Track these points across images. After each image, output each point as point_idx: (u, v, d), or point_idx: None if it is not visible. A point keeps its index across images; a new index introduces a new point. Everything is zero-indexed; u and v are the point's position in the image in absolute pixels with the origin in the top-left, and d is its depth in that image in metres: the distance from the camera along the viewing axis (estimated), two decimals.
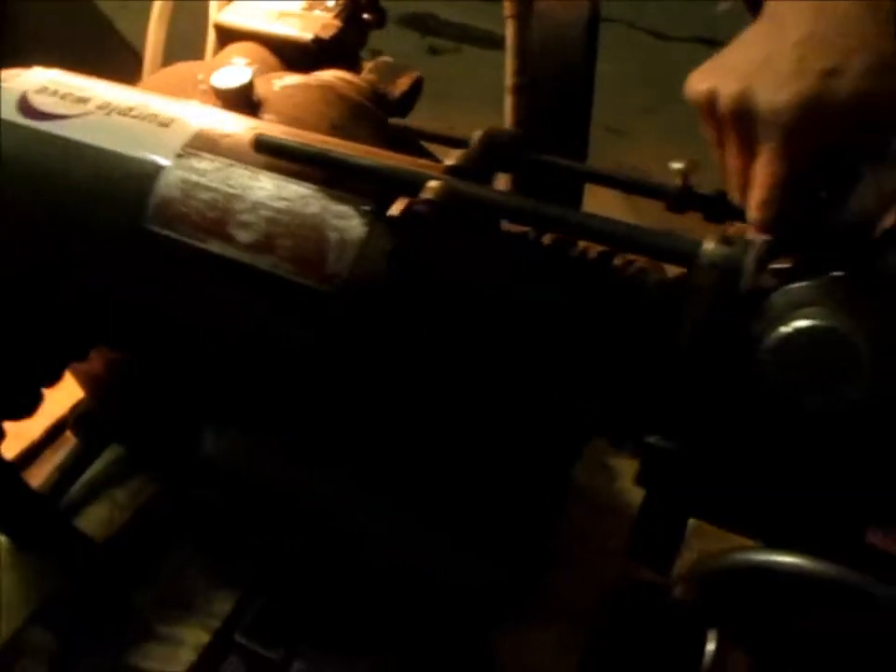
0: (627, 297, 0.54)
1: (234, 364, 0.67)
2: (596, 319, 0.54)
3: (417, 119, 1.37)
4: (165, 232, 0.64)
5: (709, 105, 0.53)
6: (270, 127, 0.71)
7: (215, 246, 0.63)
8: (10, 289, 0.72)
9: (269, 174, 0.63)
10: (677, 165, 0.60)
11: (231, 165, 0.64)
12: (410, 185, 0.56)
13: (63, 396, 1.00)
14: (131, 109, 0.70)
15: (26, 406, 0.80)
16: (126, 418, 0.92)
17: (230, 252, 0.62)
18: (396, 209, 0.53)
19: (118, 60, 1.34)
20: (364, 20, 1.06)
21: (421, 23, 2.12)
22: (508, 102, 0.91)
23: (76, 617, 0.88)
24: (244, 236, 0.62)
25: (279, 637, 0.82)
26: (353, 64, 1.02)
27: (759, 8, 0.53)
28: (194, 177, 0.64)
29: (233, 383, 0.71)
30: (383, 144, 0.75)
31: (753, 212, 0.50)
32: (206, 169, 0.64)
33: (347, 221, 0.59)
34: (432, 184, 0.55)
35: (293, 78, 0.86)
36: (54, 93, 0.73)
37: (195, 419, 0.78)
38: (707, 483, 0.54)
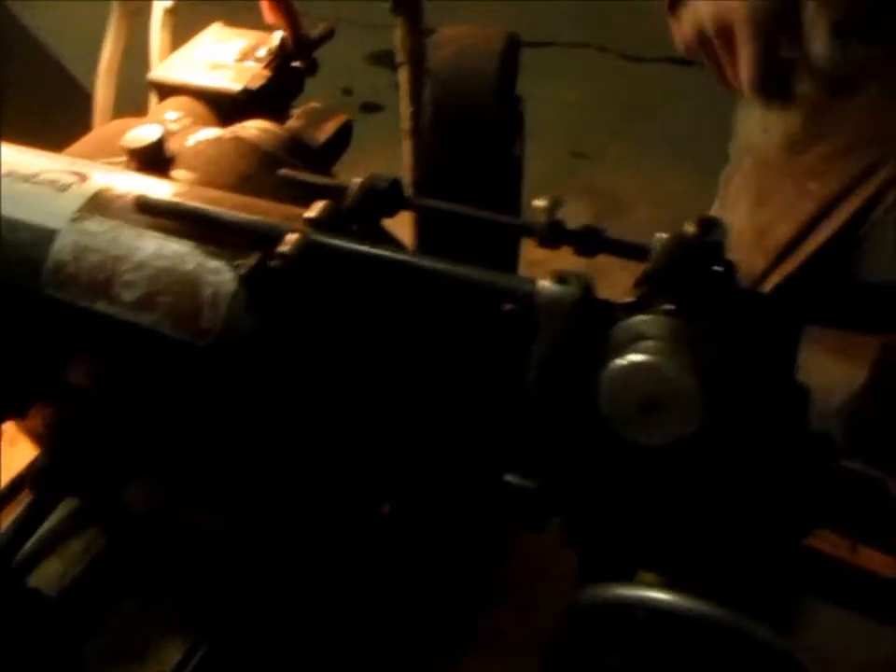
0: (482, 338, 0.55)
1: (133, 415, 0.69)
2: (452, 361, 0.55)
3: (383, 155, 1.39)
4: (59, 295, 0.66)
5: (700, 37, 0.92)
6: (168, 185, 0.73)
7: (101, 306, 0.64)
8: None
9: (153, 233, 0.65)
10: (540, 203, 0.61)
11: (120, 226, 0.66)
12: (272, 238, 0.57)
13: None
14: (34, 175, 0.73)
15: None
16: (70, 471, 0.94)
17: (115, 311, 0.64)
18: (245, 265, 0.54)
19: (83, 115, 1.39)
20: (295, 68, 1.09)
21: (390, 60, 2.16)
22: (404, 146, 0.92)
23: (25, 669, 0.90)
24: (128, 295, 0.64)
25: None
26: (283, 113, 1.05)
27: None
28: (85, 240, 0.66)
29: (139, 432, 0.72)
30: (294, 193, 0.76)
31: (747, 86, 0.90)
32: (96, 231, 0.67)
33: (220, 276, 0.61)
34: (289, 237, 0.56)
35: (207, 132, 0.88)
36: None
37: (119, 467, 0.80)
38: (572, 519, 0.54)
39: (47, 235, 0.68)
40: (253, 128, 0.92)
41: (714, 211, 1.66)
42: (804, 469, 0.54)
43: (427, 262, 0.54)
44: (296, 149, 0.93)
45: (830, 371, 1.51)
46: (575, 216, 1.81)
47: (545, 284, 0.50)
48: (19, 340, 0.70)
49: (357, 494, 0.69)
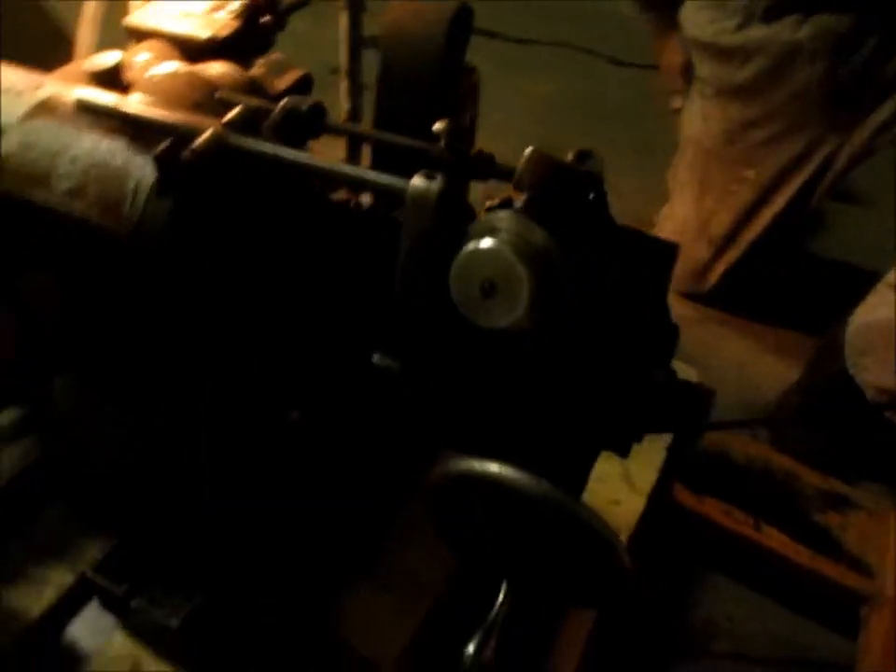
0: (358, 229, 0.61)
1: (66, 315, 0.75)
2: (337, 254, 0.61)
3: None
4: (4, 187, 0.72)
5: None
6: (111, 95, 0.79)
7: (39, 195, 0.71)
8: None
9: (90, 133, 0.71)
10: (438, 126, 0.67)
11: (62, 126, 0.72)
12: (191, 137, 0.63)
13: None
14: None
15: None
16: (12, 377, 1.00)
17: (50, 200, 0.70)
18: (159, 149, 0.60)
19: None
20: (263, 23, 1.15)
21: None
22: (341, 87, 0.99)
23: None
24: (63, 185, 0.70)
25: (126, 574, 0.88)
26: (249, 65, 1.11)
27: None
28: (29, 137, 0.73)
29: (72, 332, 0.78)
30: None
31: None
32: (40, 129, 0.73)
33: (143, 171, 0.67)
34: (203, 134, 0.62)
35: (167, 66, 0.94)
36: None
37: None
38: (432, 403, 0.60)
39: None
40: (212, 68, 0.99)
41: (666, 205, 1.73)
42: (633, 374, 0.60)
43: (320, 163, 0.60)
44: (252, 93, 0.99)
45: (764, 367, 1.58)
46: None
47: (415, 180, 0.56)
48: None
49: (265, 389, 0.74)
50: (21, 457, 1.06)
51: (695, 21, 1.40)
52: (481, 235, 0.53)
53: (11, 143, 0.73)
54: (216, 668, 0.88)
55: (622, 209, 1.84)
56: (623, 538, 1.08)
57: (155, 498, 0.86)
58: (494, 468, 0.55)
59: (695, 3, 1.38)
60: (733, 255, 1.57)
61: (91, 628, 0.95)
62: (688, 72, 1.49)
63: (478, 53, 2.51)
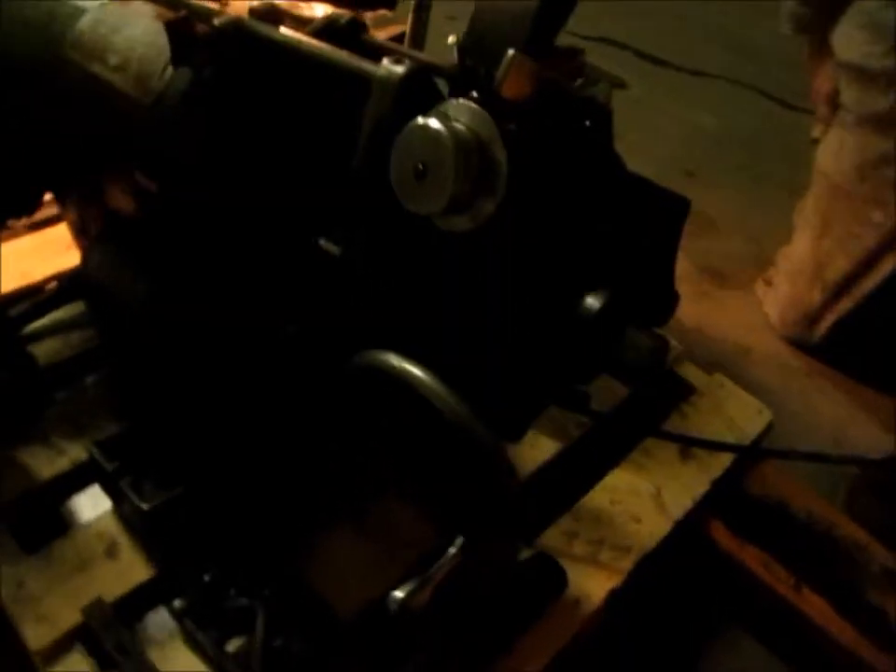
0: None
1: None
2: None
3: None
4: (72, 55, 0.79)
5: None
6: None
7: (95, 68, 0.76)
8: None
9: (147, 18, 0.76)
10: (451, 39, 0.66)
11: (127, 12, 0.78)
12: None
13: None
14: None
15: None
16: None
17: (102, 72, 0.75)
18: (171, 18, 0.63)
19: None
20: None
21: None
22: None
23: None
24: (113, 60, 0.75)
25: (122, 455, 0.92)
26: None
27: None
28: (100, 17, 0.79)
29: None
30: None
31: None
32: (110, 13, 0.79)
33: None
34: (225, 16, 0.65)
35: None
36: None
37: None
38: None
39: (80, 12, 0.81)
40: (312, 7, 1.03)
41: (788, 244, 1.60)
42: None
43: (311, 47, 0.60)
44: None
45: (864, 431, 1.41)
46: None
47: (382, 64, 0.55)
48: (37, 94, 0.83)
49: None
50: (81, 342, 1.15)
51: (848, 42, 1.29)
52: (428, 117, 0.51)
53: (87, 20, 0.80)
54: (177, 564, 0.90)
55: (758, 250, 1.74)
56: (633, 558, 1.00)
57: (161, 387, 0.90)
58: (394, 361, 0.52)
59: (851, 23, 1.28)
60: (846, 305, 1.42)
61: (94, 506, 0.99)
62: (834, 101, 1.38)
63: (644, 79, 2.49)
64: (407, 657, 0.86)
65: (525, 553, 0.97)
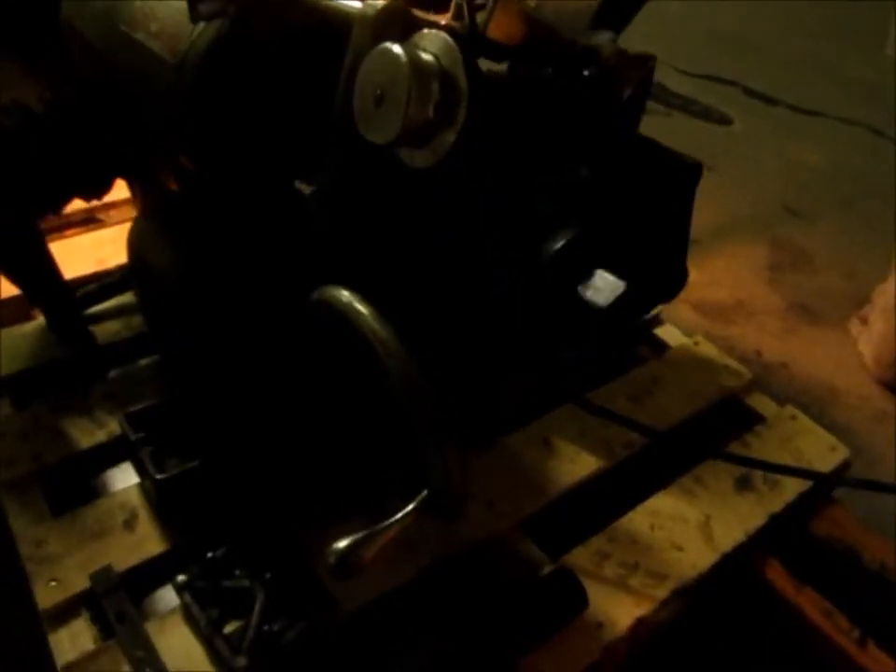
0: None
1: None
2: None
3: None
4: (125, 29, 0.82)
5: None
6: None
7: (139, 35, 0.79)
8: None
9: None
10: None
11: None
12: None
13: None
14: None
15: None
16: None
17: (145, 39, 0.78)
18: None
19: None
20: None
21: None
22: None
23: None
24: (153, 27, 0.78)
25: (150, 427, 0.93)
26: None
27: None
28: None
29: None
30: None
31: None
32: None
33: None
34: None
35: None
36: None
37: None
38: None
39: None
40: None
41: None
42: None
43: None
44: None
45: None
46: (752, 257, 1.74)
47: (367, 3, 0.54)
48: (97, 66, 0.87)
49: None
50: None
51: None
52: (393, 44, 0.49)
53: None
54: (186, 538, 0.89)
55: (856, 288, 1.62)
56: (669, 587, 0.92)
57: (187, 358, 0.90)
58: (343, 297, 0.50)
59: None
60: None
61: (126, 480, 1.01)
62: None
63: (751, 115, 2.39)
64: (402, 659, 0.81)
65: (546, 569, 0.91)
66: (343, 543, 0.60)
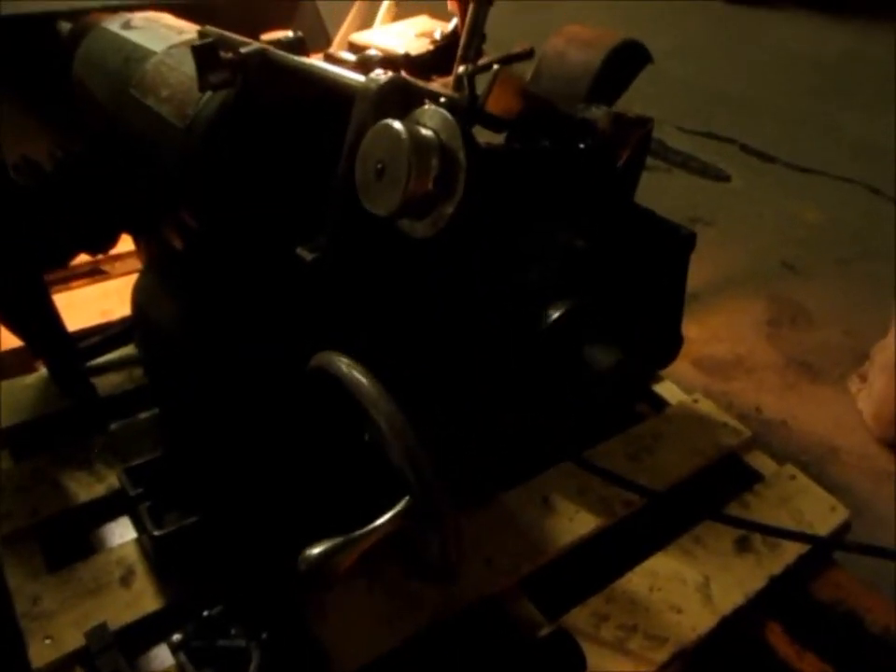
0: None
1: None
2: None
3: None
4: (135, 93, 0.85)
5: None
6: None
7: (150, 100, 0.82)
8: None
9: None
10: (461, 69, 0.66)
11: (186, 54, 0.83)
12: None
13: None
14: (174, 27, 0.94)
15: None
16: None
17: (154, 104, 0.81)
18: (197, 43, 0.67)
19: None
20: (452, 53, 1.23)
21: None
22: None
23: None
24: (163, 93, 0.80)
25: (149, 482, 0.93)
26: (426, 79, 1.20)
27: None
28: (163, 60, 0.85)
29: None
30: None
31: None
32: (173, 55, 0.85)
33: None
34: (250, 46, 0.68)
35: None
36: (147, 19, 0.99)
37: None
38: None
39: (150, 54, 0.88)
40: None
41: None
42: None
43: (321, 70, 0.62)
44: None
45: None
46: (751, 313, 1.74)
47: (369, 76, 0.56)
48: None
49: None
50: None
51: None
52: (394, 120, 0.51)
53: (153, 61, 0.86)
54: (183, 596, 0.88)
55: (855, 345, 1.63)
56: (669, 650, 0.91)
57: (186, 411, 0.91)
58: (342, 364, 0.50)
59: None
60: None
61: (123, 535, 1.00)
62: None
63: (749, 172, 2.43)
64: None
65: (544, 630, 0.91)
66: (316, 550, 0.56)
